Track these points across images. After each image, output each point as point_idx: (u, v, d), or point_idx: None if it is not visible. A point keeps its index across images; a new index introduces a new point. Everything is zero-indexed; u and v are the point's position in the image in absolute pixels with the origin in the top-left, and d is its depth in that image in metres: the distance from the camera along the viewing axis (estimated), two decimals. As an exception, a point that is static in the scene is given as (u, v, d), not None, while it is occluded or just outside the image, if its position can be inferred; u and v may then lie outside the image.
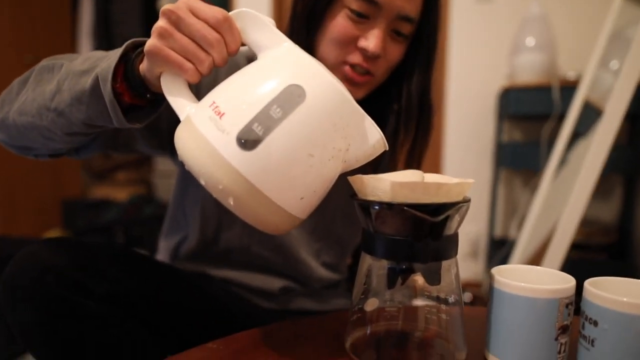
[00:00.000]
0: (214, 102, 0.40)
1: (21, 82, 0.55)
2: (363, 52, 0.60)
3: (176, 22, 0.42)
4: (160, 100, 0.49)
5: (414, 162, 0.69)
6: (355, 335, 0.48)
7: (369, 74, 0.62)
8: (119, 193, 2.44)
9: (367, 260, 0.47)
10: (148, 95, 0.48)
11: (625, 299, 0.38)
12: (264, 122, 0.38)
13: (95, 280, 0.54)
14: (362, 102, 0.44)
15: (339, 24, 0.60)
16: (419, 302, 0.49)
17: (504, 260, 1.71)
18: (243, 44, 0.45)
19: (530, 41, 1.70)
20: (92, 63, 0.49)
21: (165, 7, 0.43)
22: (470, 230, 1.98)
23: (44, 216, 2.39)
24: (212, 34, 0.42)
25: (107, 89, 0.45)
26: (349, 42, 0.61)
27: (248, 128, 0.38)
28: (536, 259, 1.32)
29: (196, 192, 0.71)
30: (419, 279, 0.45)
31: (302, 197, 0.41)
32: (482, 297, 1.80)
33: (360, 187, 0.44)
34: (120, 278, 0.57)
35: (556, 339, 0.42)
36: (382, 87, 0.67)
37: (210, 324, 0.65)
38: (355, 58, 0.61)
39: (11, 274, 0.51)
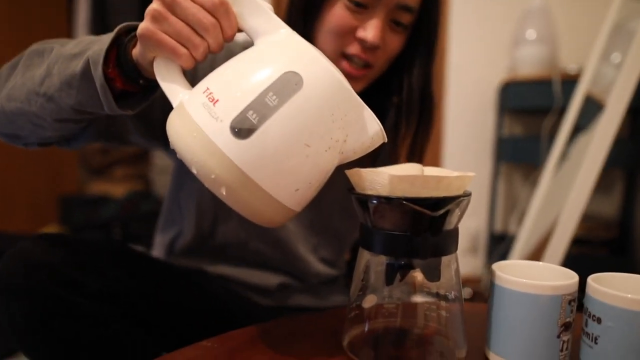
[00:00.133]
0: (207, 89, 0.39)
1: (10, 67, 0.54)
2: (362, 42, 0.59)
3: (170, 5, 0.41)
4: (153, 86, 0.47)
5: (415, 156, 0.68)
6: (352, 332, 0.47)
7: (368, 66, 0.62)
8: (116, 189, 2.42)
9: (365, 256, 0.46)
10: (141, 81, 0.47)
11: (629, 296, 0.38)
12: (259, 110, 0.37)
13: (88, 278, 0.53)
14: (361, 95, 0.43)
15: (337, 14, 0.59)
16: (418, 298, 0.48)
17: (504, 256, 1.71)
18: (240, 30, 0.44)
19: (531, 34, 1.69)
20: (83, 46, 0.48)
21: None
22: (470, 225, 1.98)
23: (40, 212, 2.38)
24: (207, 18, 0.41)
25: (98, 73, 0.44)
26: (347, 33, 0.59)
27: (242, 116, 0.37)
28: (536, 254, 1.32)
29: (192, 185, 0.70)
30: (418, 275, 0.44)
31: (296, 188, 0.40)
32: (481, 292, 1.80)
33: (358, 180, 0.43)
34: (114, 275, 0.56)
35: (558, 337, 0.41)
36: (382, 80, 0.67)
37: (207, 322, 0.65)
38: (354, 49, 0.60)
39: (2, 272, 0.51)
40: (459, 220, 0.43)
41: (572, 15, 1.81)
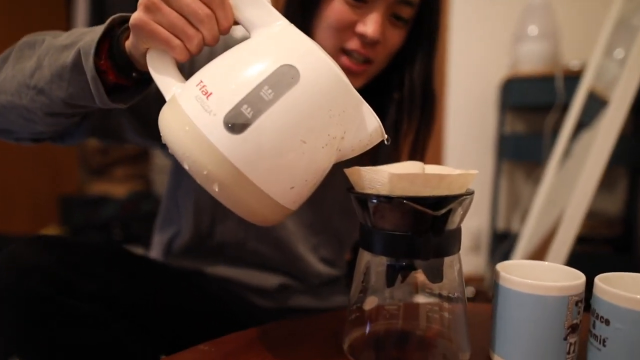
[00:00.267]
0: (201, 81, 0.38)
1: (2, 60, 0.53)
2: (361, 37, 0.58)
3: None
4: (146, 80, 0.46)
5: (417, 153, 0.67)
6: (353, 335, 0.46)
7: (368, 62, 0.60)
8: (116, 189, 2.42)
9: (365, 257, 0.45)
10: (134, 74, 0.46)
11: (639, 297, 0.36)
12: (254, 104, 0.36)
13: (82, 280, 0.52)
14: (360, 92, 0.41)
15: (336, 8, 0.58)
16: (420, 299, 0.47)
17: (507, 255, 1.69)
18: (236, 23, 0.42)
19: (533, 30, 1.67)
20: (75, 38, 0.46)
21: None
22: (472, 224, 1.96)
23: (40, 213, 2.38)
24: (202, 9, 0.40)
25: (89, 64, 0.43)
26: (347, 28, 0.58)
27: (236, 110, 0.35)
28: (540, 253, 1.30)
29: (189, 183, 0.69)
30: (419, 276, 0.43)
31: (292, 186, 0.38)
32: (484, 291, 1.79)
33: (357, 179, 0.42)
34: (109, 277, 0.55)
35: (565, 339, 0.40)
36: (382, 75, 0.65)
37: (207, 324, 0.64)
38: (353, 44, 0.59)
39: None
40: (461, 220, 0.42)
41: (574, 11, 1.80)
